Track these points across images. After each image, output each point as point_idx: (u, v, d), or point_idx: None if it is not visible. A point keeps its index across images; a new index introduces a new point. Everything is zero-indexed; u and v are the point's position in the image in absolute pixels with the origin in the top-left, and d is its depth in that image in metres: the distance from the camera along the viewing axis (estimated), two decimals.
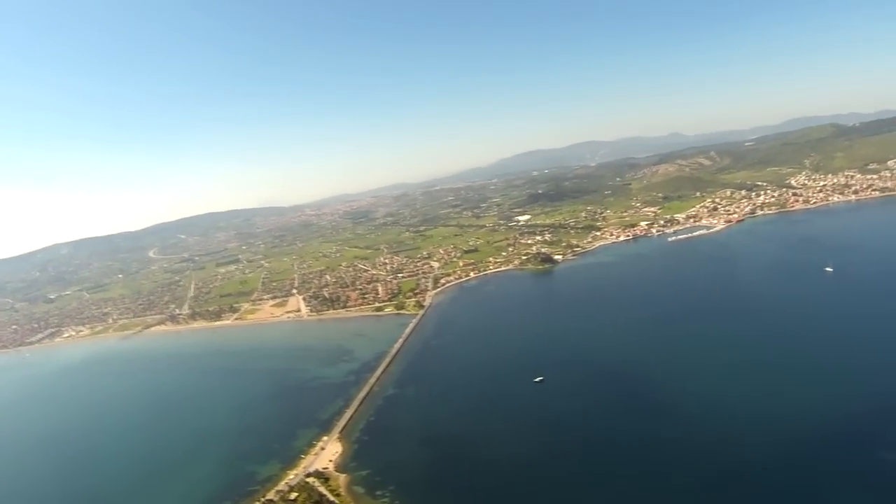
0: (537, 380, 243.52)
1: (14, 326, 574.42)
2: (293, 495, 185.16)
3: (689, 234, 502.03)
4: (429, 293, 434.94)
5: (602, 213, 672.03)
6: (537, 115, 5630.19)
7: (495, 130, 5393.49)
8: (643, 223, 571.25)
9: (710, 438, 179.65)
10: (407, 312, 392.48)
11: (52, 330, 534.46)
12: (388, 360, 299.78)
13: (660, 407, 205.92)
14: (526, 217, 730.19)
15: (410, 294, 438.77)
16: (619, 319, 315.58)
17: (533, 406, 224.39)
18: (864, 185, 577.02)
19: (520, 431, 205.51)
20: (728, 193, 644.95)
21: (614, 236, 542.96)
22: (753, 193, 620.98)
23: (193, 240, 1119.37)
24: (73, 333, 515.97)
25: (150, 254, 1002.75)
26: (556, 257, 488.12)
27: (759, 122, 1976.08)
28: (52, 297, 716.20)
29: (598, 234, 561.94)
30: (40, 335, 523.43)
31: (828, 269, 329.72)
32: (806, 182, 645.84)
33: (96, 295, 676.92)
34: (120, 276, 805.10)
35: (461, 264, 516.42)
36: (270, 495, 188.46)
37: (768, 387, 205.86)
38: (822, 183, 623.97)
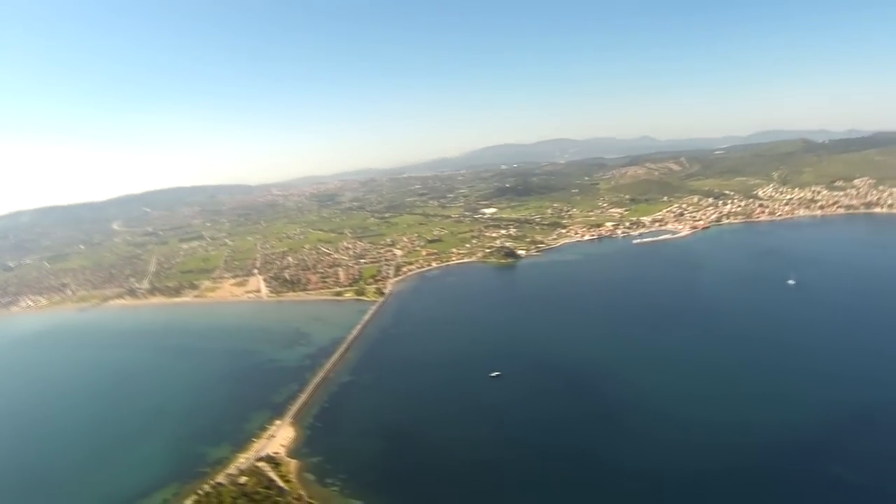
0: (493, 374, 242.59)
1: None
2: (243, 479, 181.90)
3: (655, 238, 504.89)
4: (390, 281, 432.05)
5: (568, 211, 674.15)
6: (509, 110, 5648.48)
7: (466, 122, 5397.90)
8: (609, 224, 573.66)
9: (661, 445, 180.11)
10: (367, 299, 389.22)
11: (10, 299, 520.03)
12: (345, 346, 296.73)
13: (614, 411, 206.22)
14: (492, 210, 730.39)
15: (371, 280, 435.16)
16: (579, 319, 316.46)
17: (487, 401, 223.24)
18: (830, 202, 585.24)
19: (473, 427, 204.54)
20: (695, 200, 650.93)
21: (579, 235, 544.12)
22: (720, 201, 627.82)
23: (158, 214, 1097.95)
24: (31, 304, 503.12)
25: (114, 226, 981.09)
26: (520, 252, 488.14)
27: (730, 131, 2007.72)
28: (11, 265, 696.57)
29: (564, 231, 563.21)
30: None
31: (790, 281, 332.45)
32: (773, 194, 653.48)
33: (56, 265, 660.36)
34: (82, 246, 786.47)
35: (424, 253, 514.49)
36: (220, 478, 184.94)
37: (724, 396, 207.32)
38: (788, 196, 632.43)
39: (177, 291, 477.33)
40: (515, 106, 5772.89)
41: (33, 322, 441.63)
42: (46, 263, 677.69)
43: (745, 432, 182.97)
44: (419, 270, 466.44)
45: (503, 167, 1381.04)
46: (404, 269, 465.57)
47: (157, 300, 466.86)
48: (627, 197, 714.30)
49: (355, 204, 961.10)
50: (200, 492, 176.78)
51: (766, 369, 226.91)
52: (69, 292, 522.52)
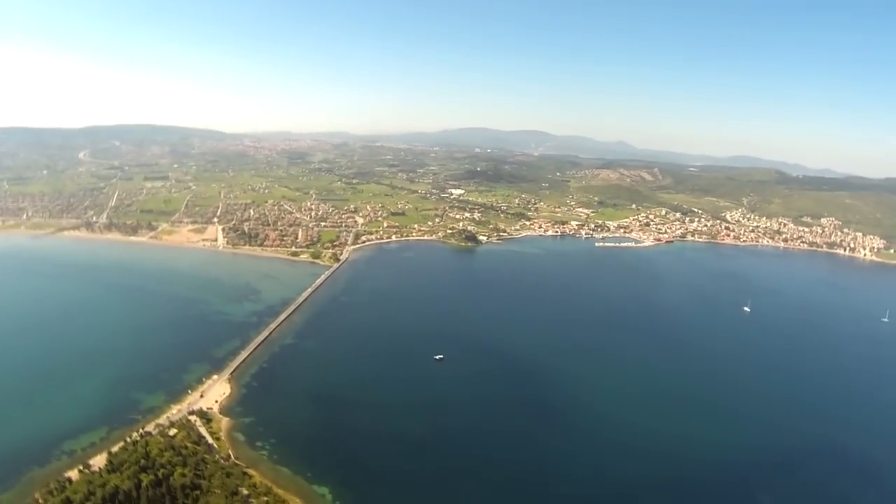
0: (437, 357, 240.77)
1: None
2: (172, 431, 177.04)
3: (618, 244, 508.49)
4: (347, 247, 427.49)
5: (535, 203, 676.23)
6: (490, 94, 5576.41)
7: (447, 100, 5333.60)
8: (574, 222, 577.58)
9: (594, 452, 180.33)
10: (322, 263, 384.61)
11: None
12: (293, 308, 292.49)
13: (550, 406, 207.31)
14: (460, 191, 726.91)
15: (329, 245, 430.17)
16: (531, 311, 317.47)
17: (428, 384, 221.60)
18: (795, 236, 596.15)
19: (410, 407, 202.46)
20: (663, 212, 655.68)
21: (543, 229, 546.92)
22: (688, 218, 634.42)
23: (127, 149, 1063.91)
24: None
25: (80, 155, 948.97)
26: (481, 238, 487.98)
27: (706, 150, 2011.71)
28: None
29: (528, 223, 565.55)
30: None
31: (746, 308, 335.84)
32: (740, 219, 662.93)
33: (16, 188, 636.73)
34: (45, 172, 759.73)
35: (385, 225, 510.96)
36: (149, 427, 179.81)
37: (661, 411, 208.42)
38: (755, 223, 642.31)
39: (133, 230, 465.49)
40: (498, 91, 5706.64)
41: None
42: (6, 184, 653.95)
43: (676, 442, 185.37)
44: (378, 241, 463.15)
45: (477, 150, 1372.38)
46: (363, 238, 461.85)
47: (113, 236, 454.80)
48: (596, 199, 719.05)
49: (325, 165, 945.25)
50: (129, 439, 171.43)
51: (709, 385, 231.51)
52: (25, 217, 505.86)
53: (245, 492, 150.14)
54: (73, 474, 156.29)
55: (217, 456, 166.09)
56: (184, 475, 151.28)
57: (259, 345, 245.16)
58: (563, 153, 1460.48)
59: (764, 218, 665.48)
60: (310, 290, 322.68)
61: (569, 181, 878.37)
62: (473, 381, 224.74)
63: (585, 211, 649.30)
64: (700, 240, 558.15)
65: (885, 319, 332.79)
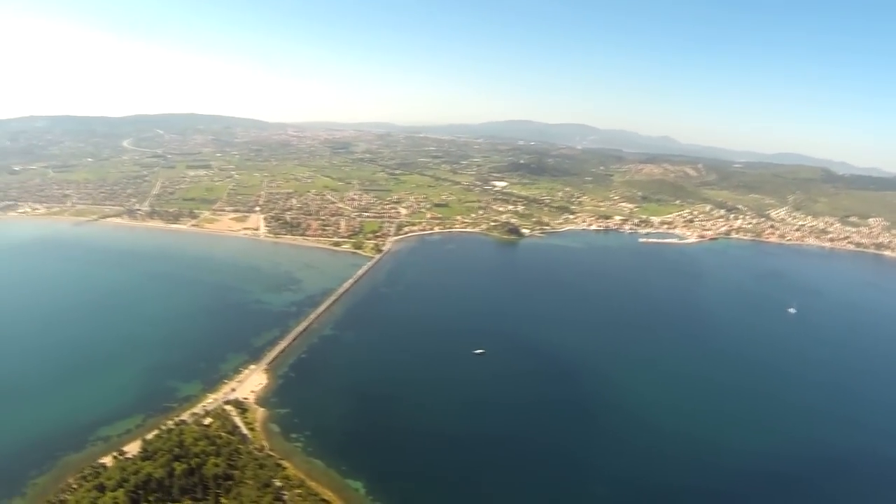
0: (477, 352, 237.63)
1: None
2: (207, 420, 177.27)
3: (661, 240, 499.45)
4: (390, 238, 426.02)
5: (579, 197, 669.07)
6: (535, 86, 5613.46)
7: (490, 92, 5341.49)
8: (617, 217, 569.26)
9: (632, 451, 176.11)
10: (363, 254, 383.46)
11: (9, 203, 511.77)
12: (333, 298, 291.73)
13: (591, 407, 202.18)
14: (503, 184, 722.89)
15: (371, 236, 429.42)
16: (573, 308, 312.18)
17: (468, 379, 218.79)
18: (841, 236, 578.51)
19: (449, 402, 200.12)
20: (707, 209, 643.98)
21: (586, 223, 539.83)
22: (732, 215, 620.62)
23: (170, 137, 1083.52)
24: (29, 210, 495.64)
25: (124, 143, 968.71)
26: (524, 231, 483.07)
27: (751, 147, 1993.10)
28: (16, 168, 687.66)
29: (571, 217, 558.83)
30: None
31: (791, 310, 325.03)
32: (786, 218, 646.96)
33: (61, 175, 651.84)
34: (89, 159, 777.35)
35: (428, 216, 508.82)
36: (184, 416, 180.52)
37: (701, 411, 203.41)
38: (801, 222, 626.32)
39: (175, 218, 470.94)
40: (542, 84, 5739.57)
41: (29, 229, 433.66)
42: (51, 172, 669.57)
43: (714, 452, 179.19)
44: (421, 232, 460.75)
45: (521, 143, 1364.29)
46: (406, 229, 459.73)
47: (155, 224, 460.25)
48: (640, 194, 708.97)
49: (367, 156, 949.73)
50: (163, 427, 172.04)
51: (751, 393, 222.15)
52: (69, 204, 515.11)
53: (278, 483, 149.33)
54: (108, 460, 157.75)
55: (251, 447, 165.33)
56: (217, 465, 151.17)
57: (298, 335, 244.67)
58: (606, 147, 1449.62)
59: (809, 217, 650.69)
60: (351, 280, 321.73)
61: (612, 175, 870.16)
62: (513, 378, 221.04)
63: (629, 206, 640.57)
64: (744, 237, 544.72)
65: None
